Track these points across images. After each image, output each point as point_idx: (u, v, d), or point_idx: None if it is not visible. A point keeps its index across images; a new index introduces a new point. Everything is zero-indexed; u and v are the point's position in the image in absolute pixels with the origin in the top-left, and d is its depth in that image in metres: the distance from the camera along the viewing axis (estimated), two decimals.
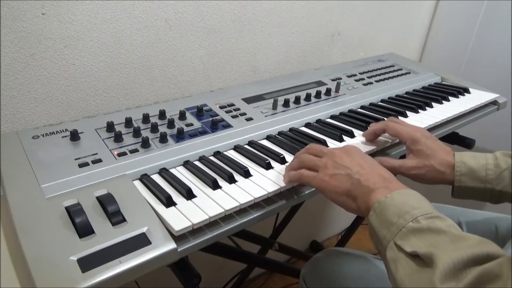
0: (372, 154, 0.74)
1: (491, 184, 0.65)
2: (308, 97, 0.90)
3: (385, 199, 0.50)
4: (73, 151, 0.63)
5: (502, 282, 0.36)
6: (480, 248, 0.40)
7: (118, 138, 0.66)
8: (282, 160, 0.67)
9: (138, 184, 0.59)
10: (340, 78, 1.03)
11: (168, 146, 0.67)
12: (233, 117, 0.79)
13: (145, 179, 0.60)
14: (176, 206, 0.54)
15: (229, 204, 0.54)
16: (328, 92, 0.95)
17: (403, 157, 0.72)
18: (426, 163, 0.67)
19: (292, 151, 0.71)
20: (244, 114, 0.80)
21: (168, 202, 0.54)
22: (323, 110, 0.88)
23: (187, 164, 0.65)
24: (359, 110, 0.92)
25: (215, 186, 0.58)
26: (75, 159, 0.61)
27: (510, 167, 0.64)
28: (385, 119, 0.85)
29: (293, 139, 0.75)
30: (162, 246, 0.47)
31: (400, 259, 0.44)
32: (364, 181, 0.54)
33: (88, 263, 0.43)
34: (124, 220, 0.50)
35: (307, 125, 0.83)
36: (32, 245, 0.45)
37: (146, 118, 0.73)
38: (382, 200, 0.50)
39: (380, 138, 0.76)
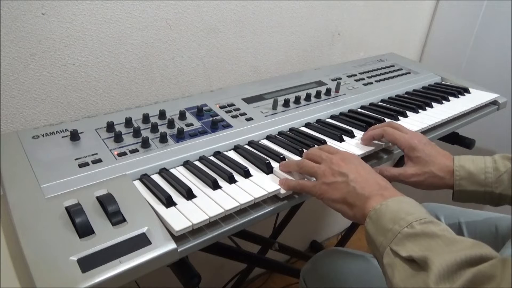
0: (370, 155, 0.74)
1: (490, 188, 0.65)
2: (308, 97, 0.90)
3: (380, 206, 0.51)
4: (73, 151, 0.63)
5: (495, 282, 0.37)
6: (474, 251, 0.40)
7: (118, 138, 0.66)
8: (282, 160, 0.67)
9: (138, 184, 0.59)
10: (340, 78, 1.03)
11: (168, 146, 0.67)
12: (233, 117, 0.79)
13: (145, 179, 0.60)
14: (176, 206, 0.54)
15: (229, 204, 0.54)
16: (328, 92, 0.95)
17: (402, 158, 0.72)
18: (425, 169, 0.67)
19: (292, 151, 0.71)
20: (244, 114, 0.80)
21: (168, 202, 0.54)
22: (323, 110, 0.88)
23: (187, 164, 0.65)
24: (359, 110, 0.92)
25: (215, 186, 0.58)
26: (75, 159, 0.61)
27: (509, 170, 0.65)
28: (385, 119, 0.85)
29: (293, 139, 0.75)
30: (162, 246, 0.47)
31: (396, 264, 0.45)
32: (360, 189, 0.54)
33: (88, 263, 0.43)
34: (124, 220, 0.50)
35: (307, 125, 0.83)
36: (32, 245, 0.45)
37: (146, 118, 0.72)
38: (378, 208, 0.51)
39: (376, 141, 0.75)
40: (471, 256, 0.40)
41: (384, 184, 0.56)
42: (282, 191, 0.59)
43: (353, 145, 0.74)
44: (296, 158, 0.69)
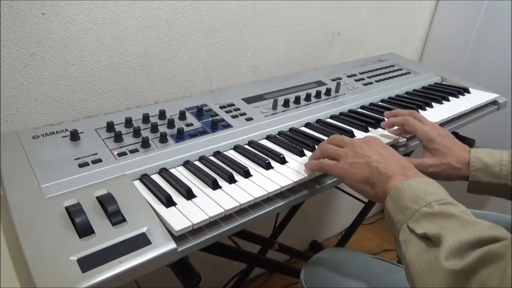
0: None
1: (504, 180, 0.66)
2: (308, 97, 0.90)
3: (402, 185, 0.51)
4: (73, 151, 0.63)
5: (504, 262, 0.37)
6: (489, 232, 0.41)
7: (118, 138, 0.66)
8: (282, 160, 0.67)
9: (138, 184, 0.59)
10: (340, 78, 1.03)
11: (168, 146, 0.67)
12: (233, 117, 0.79)
13: (145, 179, 0.60)
14: (176, 206, 0.54)
15: (229, 204, 0.54)
16: (328, 92, 0.95)
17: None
18: (443, 161, 0.69)
19: (292, 151, 0.71)
20: (244, 114, 0.80)
21: (168, 202, 0.54)
22: (323, 110, 0.88)
23: (187, 164, 0.65)
24: (359, 110, 0.92)
25: (215, 186, 0.58)
26: (75, 159, 0.61)
27: None
28: (386, 119, 0.85)
29: (293, 139, 0.75)
30: (162, 246, 0.47)
31: (411, 240, 0.46)
32: (382, 169, 0.55)
33: (88, 263, 0.43)
34: (124, 220, 0.50)
35: (307, 125, 0.83)
36: (32, 245, 0.45)
37: (146, 118, 0.72)
38: (399, 187, 0.51)
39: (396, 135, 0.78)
40: (485, 236, 0.40)
41: (407, 164, 0.57)
42: (282, 184, 0.60)
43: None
44: (296, 158, 0.69)
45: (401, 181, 0.52)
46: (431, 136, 0.70)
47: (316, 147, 0.72)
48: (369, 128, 0.81)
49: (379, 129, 0.81)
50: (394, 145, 0.78)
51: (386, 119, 0.79)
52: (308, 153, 0.70)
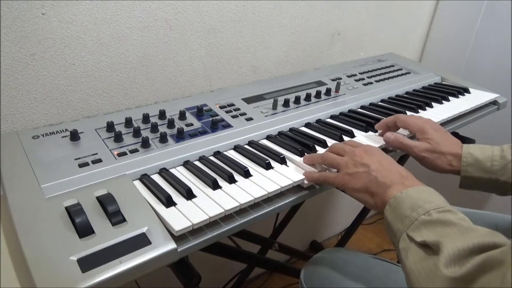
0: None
1: (495, 175, 0.66)
2: (308, 97, 0.90)
3: (401, 194, 0.52)
4: (73, 151, 0.63)
5: (504, 268, 0.37)
6: (487, 238, 0.41)
7: (118, 138, 0.66)
8: (282, 160, 0.67)
9: (138, 184, 0.59)
10: (340, 78, 1.03)
11: (168, 146, 0.67)
12: (233, 117, 0.79)
13: (145, 179, 0.60)
14: (176, 206, 0.54)
15: (229, 204, 0.54)
16: (328, 92, 0.95)
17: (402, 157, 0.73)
18: (436, 149, 0.69)
19: (292, 151, 0.71)
20: (244, 114, 0.80)
21: (168, 202, 0.54)
22: (323, 110, 0.88)
23: (187, 164, 0.65)
24: (359, 110, 0.92)
25: (215, 186, 0.58)
26: (75, 159, 0.61)
27: None
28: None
29: (293, 139, 0.75)
30: (162, 246, 0.47)
31: (410, 249, 0.47)
32: (381, 178, 0.56)
33: (88, 263, 0.43)
34: (124, 220, 0.50)
35: (307, 125, 0.83)
36: (32, 245, 0.45)
37: (146, 118, 0.73)
38: (398, 196, 0.52)
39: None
40: (483, 243, 0.40)
41: (405, 174, 0.57)
42: (282, 184, 0.60)
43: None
44: (296, 158, 0.69)
45: (399, 190, 0.53)
46: (424, 128, 0.71)
47: (316, 147, 0.72)
48: (369, 130, 0.81)
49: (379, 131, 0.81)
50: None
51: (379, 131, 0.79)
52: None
